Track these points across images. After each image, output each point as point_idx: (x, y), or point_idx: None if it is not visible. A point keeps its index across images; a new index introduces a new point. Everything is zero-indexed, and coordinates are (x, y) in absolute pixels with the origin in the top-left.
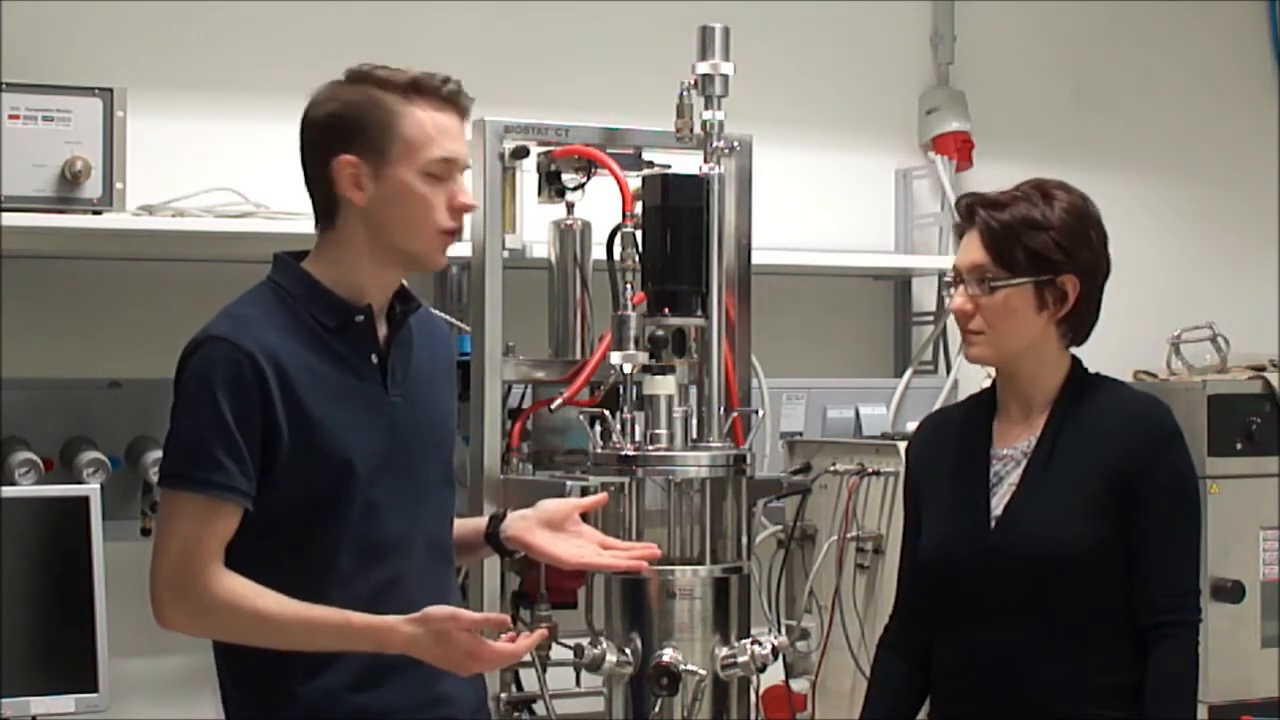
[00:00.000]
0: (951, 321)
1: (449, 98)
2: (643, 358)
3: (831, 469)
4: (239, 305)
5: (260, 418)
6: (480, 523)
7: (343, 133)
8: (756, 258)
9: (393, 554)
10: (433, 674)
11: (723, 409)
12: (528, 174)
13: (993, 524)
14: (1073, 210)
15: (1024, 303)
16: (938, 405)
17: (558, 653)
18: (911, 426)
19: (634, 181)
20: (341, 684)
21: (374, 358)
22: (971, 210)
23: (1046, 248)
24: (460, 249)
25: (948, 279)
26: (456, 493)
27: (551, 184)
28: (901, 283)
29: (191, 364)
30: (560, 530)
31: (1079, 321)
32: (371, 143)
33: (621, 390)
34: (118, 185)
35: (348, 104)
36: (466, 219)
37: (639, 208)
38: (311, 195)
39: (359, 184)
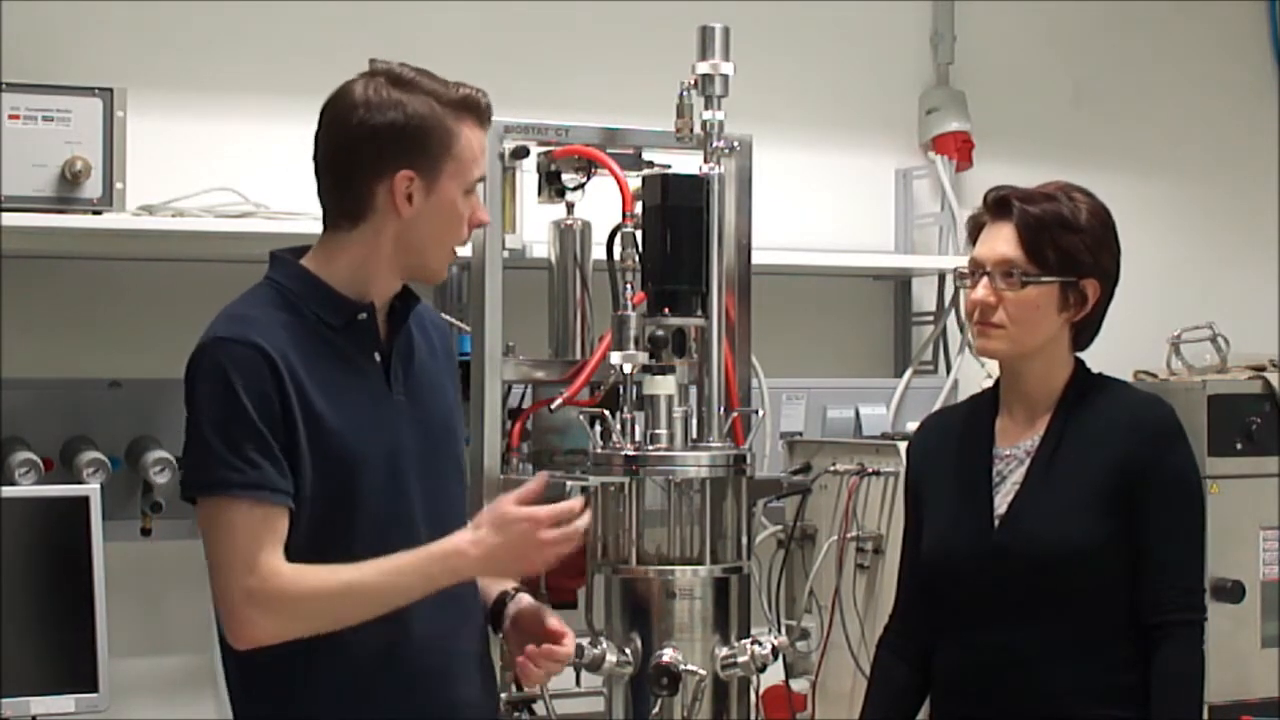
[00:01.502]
0: (951, 322)
1: (487, 114)
2: (643, 358)
3: (831, 469)
4: (238, 305)
5: (280, 413)
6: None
7: (407, 146)
8: (756, 258)
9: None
10: (446, 682)
11: (723, 409)
12: (528, 174)
13: (996, 523)
14: (1099, 216)
15: (1049, 301)
16: (938, 405)
17: None
18: (911, 426)
19: (634, 181)
20: (354, 693)
21: (377, 356)
22: (1005, 202)
23: (1077, 249)
24: (460, 249)
25: (961, 270)
26: (466, 493)
27: (551, 184)
28: (901, 283)
29: (202, 369)
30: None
31: (1089, 327)
32: (430, 160)
33: (621, 390)
34: (118, 185)
35: (414, 116)
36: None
37: (639, 208)
38: (339, 193)
39: (410, 198)
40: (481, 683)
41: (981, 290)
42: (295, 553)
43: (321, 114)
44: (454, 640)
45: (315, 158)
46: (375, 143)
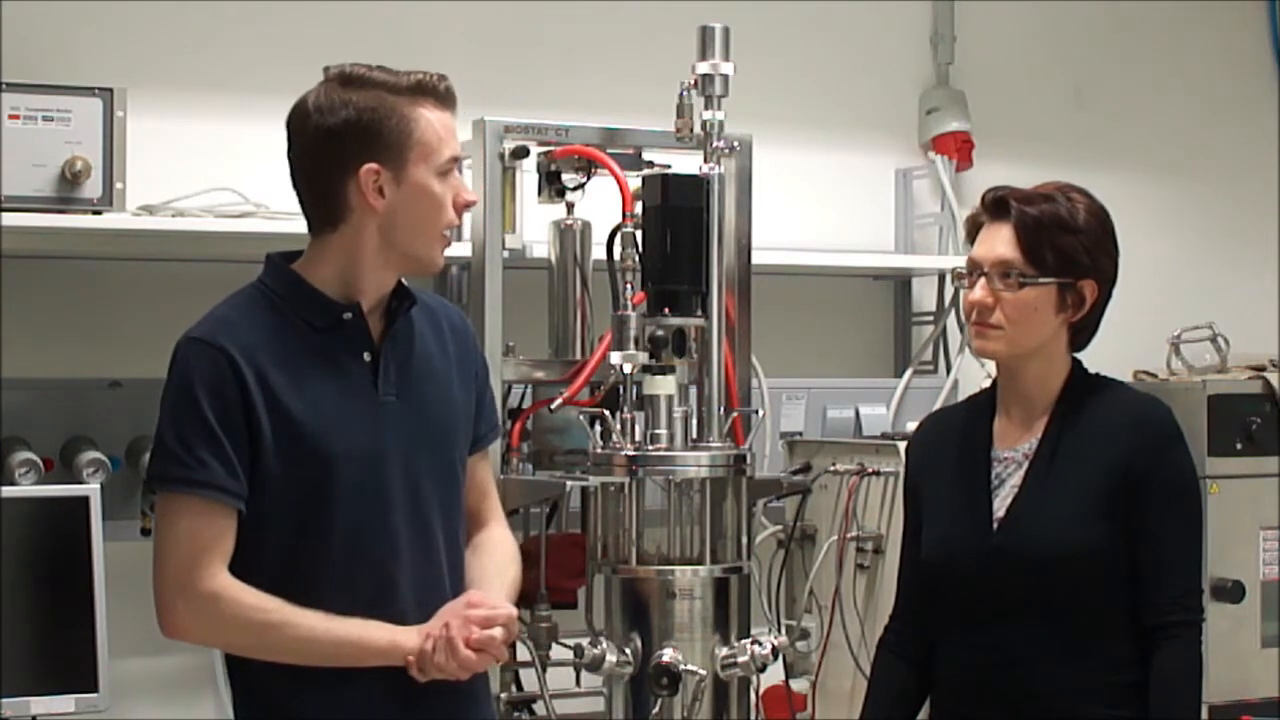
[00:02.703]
0: (951, 322)
1: (447, 96)
2: (643, 358)
3: (831, 469)
4: (221, 307)
5: (242, 416)
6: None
7: (364, 141)
8: (756, 258)
9: (387, 557)
10: (446, 694)
11: (723, 409)
12: (528, 174)
13: (995, 526)
14: (1097, 216)
15: (1046, 303)
16: (937, 405)
17: (558, 653)
18: (911, 426)
19: (634, 181)
20: (348, 700)
21: (366, 356)
22: (1003, 203)
23: (1075, 251)
24: (460, 249)
25: (959, 270)
26: (461, 498)
27: (551, 184)
28: (901, 283)
29: (171, 368)
30: None
31: (1087, 328)
32: (392, 149)
33: (621, 390)
34: (118, 185)
35: (365, 111)
36: (465, 217)
37: (639, 208)
38: (315, 200)
39: (381, 191)
40: (483, 700)
41: (979, 291)
42: (275, 551)
43: (286, 128)
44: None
45: (290, 172)
46: (333, 144)
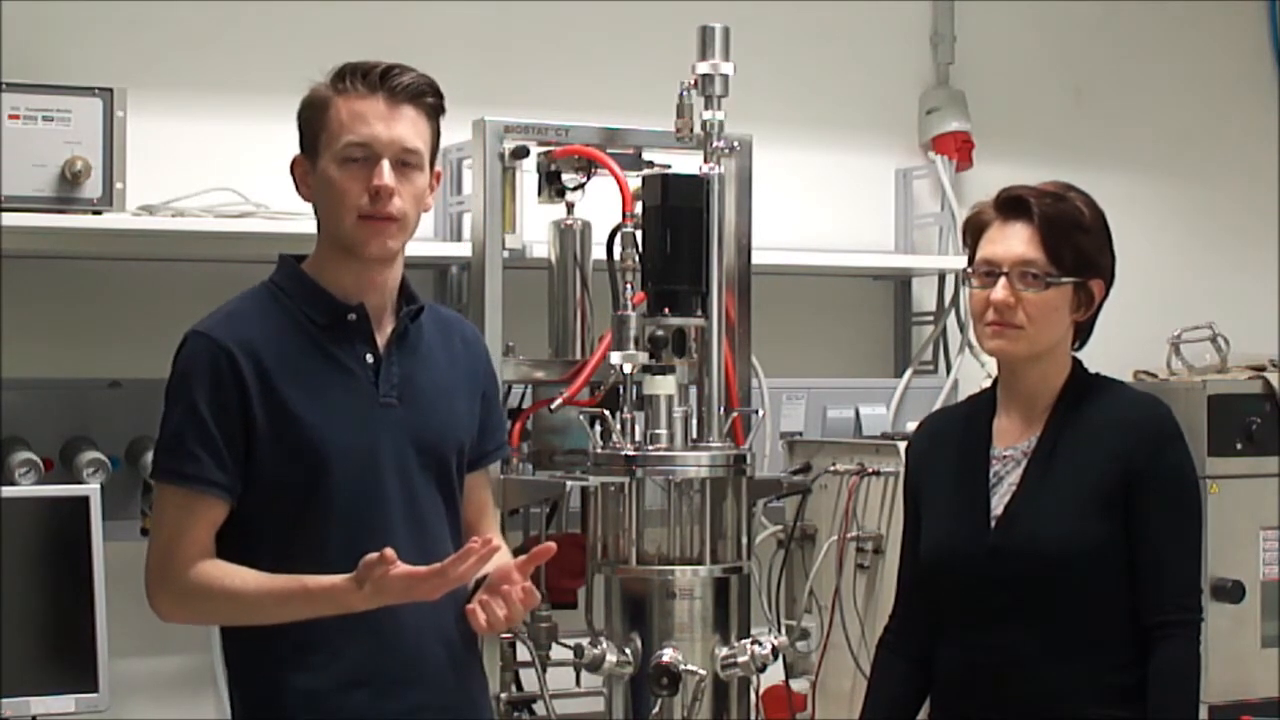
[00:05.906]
0: (951, 322)
1: (372, 84)
2: (643, 358)
3: (831, 469)
4: (229, 302)
5: (237, 410)
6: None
7: (300, 135)
8: (756, 258)
9: None
10: (433, 679)
11: (723, 409)
12: (528, 174)
13: (993, 524)
14: (1100, 216)
15: (1064, 302)
16: (937, 405)
17: (558, 653)
18: (911, 426)
19: (634, 181)
20: (332, 685)
21: (369, 357)
22: (1022, 202)
23: (1089, 249)
24: (460, 249)
25: (969, 270)
26: (457, 505)
27: (551, 184)
28: (901, 283)
29: (174, 361)
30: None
31: (1088, 327)
32: (309, 141)
33: (621, 390)
34: (118, 185)
35: (301, 108)
36: (465, 217)
37: (639, 208)
38: None
39: (306, 182)
40: (473, 681)
41: (1001, 290)
42: (271, 544)
43: None
44: (423, 638)
45: None
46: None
